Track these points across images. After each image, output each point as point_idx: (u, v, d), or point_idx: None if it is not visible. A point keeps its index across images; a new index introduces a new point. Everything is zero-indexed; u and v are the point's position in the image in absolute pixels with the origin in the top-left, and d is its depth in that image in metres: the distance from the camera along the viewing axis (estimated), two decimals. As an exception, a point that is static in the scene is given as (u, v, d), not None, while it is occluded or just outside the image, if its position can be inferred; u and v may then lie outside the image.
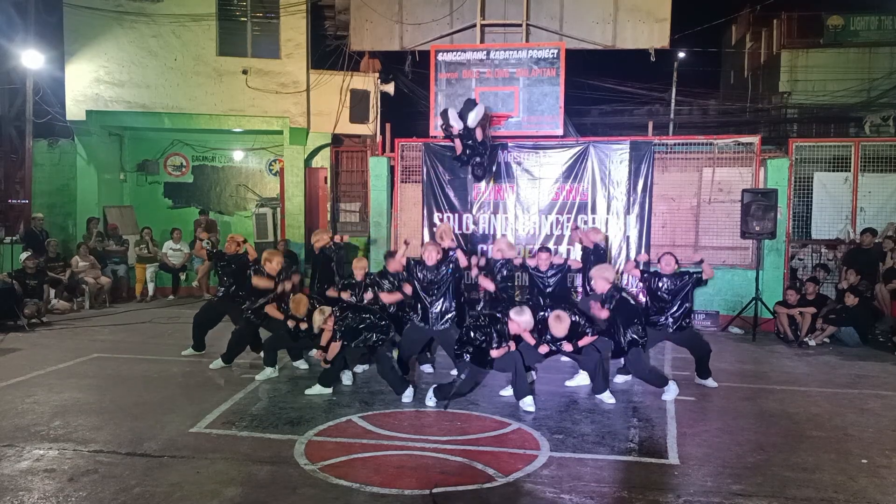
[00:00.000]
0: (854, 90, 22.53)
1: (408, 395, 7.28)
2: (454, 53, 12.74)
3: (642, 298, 8.45)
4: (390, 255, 8.98)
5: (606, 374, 7.54)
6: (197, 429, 6.31)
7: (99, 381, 7.92)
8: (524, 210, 12.30)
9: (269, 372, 8.12)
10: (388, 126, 13.47)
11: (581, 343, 7.26)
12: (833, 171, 12.21)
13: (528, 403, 6.98)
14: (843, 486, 5.19)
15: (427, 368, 8.65)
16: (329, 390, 7.48)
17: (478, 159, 11.11)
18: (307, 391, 7.48)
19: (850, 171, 12.03)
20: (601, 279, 7.68)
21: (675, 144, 12.49)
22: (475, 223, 12.41)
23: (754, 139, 12.15)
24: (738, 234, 11.45)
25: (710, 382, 7.89)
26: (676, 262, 8.03)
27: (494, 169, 12.28)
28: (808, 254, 12.35)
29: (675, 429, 6.43)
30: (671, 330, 7.82)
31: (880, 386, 8.08)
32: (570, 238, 11.92)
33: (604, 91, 22.85)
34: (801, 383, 7.78)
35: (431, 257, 7.74)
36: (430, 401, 7.11)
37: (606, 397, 7.30)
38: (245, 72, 14.85)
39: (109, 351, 9.45)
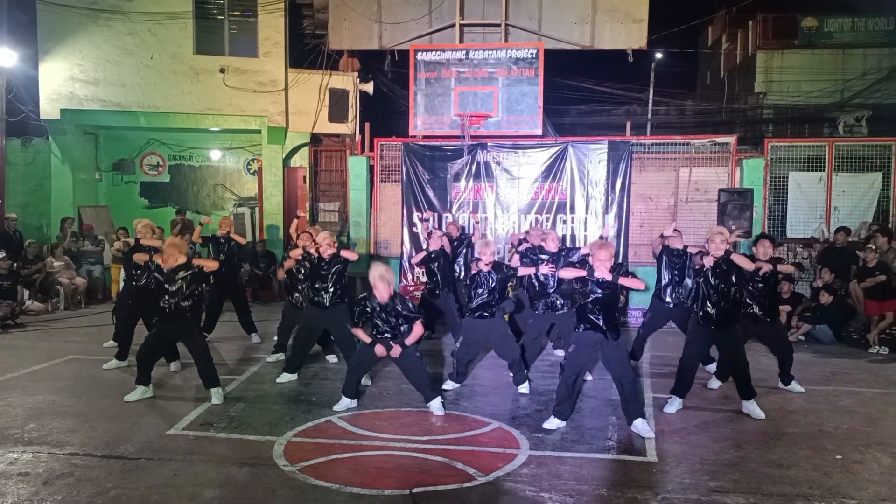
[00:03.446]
0: (828, 91, 22.85)
1: (343, 404, 6.95)
2: (433, 53, 12.74)
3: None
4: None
5: (642, 398, 6.77)
6: (174, 431, 6.26)
7: (74, 384, 7.82)
8: (504, 209, 12.33)
9: (140, 391, 7.21)
10: (367, 125, 13.45)
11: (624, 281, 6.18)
12: (808, 170, 12.37)
13: (524, 388, 7.60)
14: (818, 482, 5.26)
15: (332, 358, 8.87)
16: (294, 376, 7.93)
17: None
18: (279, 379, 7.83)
19: (824, 170, 12.20)
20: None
21: (652, 144, 12.59)
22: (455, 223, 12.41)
23: (730, 139, 12.28)
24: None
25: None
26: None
27: (474, 169, 12.32)
28: (783, 252, 12.50)
29: (653, 426, 6.47)
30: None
31: (854, 383, 8.19)
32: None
33: (582, 91, 22.98)
34: (776, 381, 7.86)
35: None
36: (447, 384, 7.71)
37: (642, 426, 6.26)
38: (222, 70, 14.73)
39: (85, 353, 9.33)
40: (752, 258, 7.22)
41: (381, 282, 6.73)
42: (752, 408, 6.86)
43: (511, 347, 7.70)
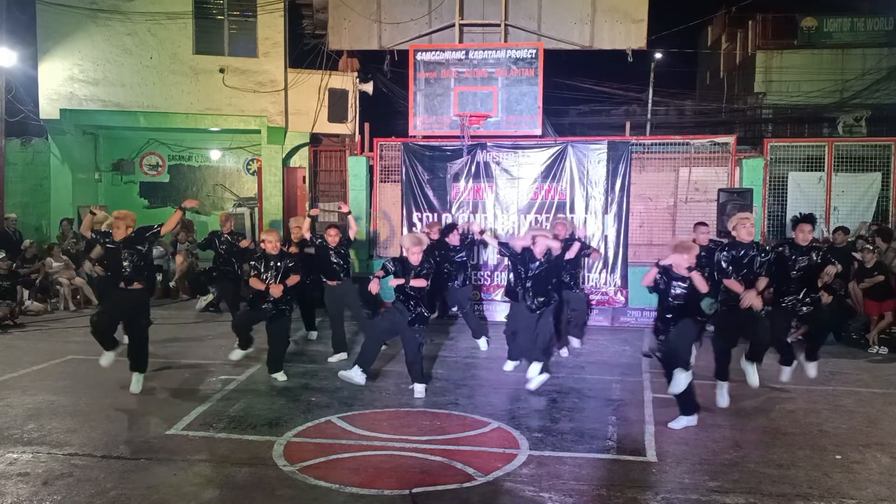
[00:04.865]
0: (827, 91, 22.88)
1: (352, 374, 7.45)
2: (433, 53, 12.73)
3: None
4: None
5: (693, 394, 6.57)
6: (174, 431, 6.25)
7: (74, 384, 7.81)
8: (503, 210, 12.32)
9: (111, 356, 7.62)
10: (366, 125, 13.43)
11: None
12: (807, 170, 12.36)
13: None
14: (818, 482, 5.27)
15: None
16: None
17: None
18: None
19: (823, 170, 12.20)
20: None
21: (652, 144, 12.58)
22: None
23: (730, 139, 12.27)
24: (714, 233, 11.54)
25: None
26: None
27: (474, 169, 12.32)
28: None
29: (652, 426, 6.47)
30: None
31: (853, 383, 8.19)
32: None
33: (582, 91, 23.02)
34: (775, 380, 7.85)
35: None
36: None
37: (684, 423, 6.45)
38: (222, 70, 14.74)
39: (84, 353, 9.28)
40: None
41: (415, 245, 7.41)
42: (749, 369, 7.10)
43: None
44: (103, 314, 7.55)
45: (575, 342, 9.63)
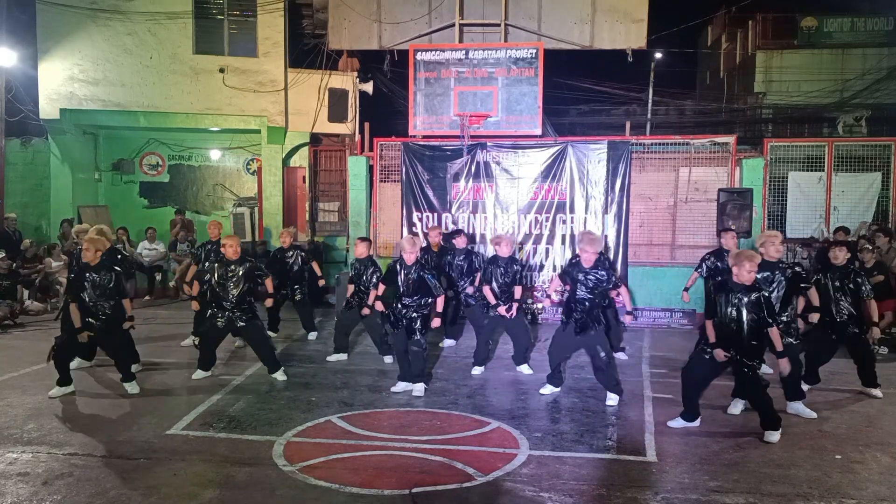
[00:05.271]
0: (827, 91, 22.87)
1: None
2: (433, 53, 12.73)
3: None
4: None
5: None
6: (174, 431, 6.26)
7: (74, 383, 7.79)
8: (503, 209, 12.32)
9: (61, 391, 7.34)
10: (366, 125, 13.42)
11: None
12: (807, 170, 12.37)
13: (525, 369, 8.39)
14: (818, 482, 5.27)
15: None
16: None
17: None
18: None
19: (823, 170, 12.20)
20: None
21: (652, 144, 12.58)
22: (454, 223, 12.41)
23: (730, 139, 12.27)
24: (714, 233, 11.55)
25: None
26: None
27: (474, 169, 12.31)
28: (783, 252, 12.49)
29: (652, 426, 6.48)
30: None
31: (853, 383, 8.15)
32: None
33: (582, 91, 22.99)
34: (775, 381, 7.83)
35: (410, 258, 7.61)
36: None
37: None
38: (222, 70, 14.72)
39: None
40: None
41: (410, 245, 7.49)
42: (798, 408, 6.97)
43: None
44: (69, 339, 7.37)
45: (621, 356, 9.13)
